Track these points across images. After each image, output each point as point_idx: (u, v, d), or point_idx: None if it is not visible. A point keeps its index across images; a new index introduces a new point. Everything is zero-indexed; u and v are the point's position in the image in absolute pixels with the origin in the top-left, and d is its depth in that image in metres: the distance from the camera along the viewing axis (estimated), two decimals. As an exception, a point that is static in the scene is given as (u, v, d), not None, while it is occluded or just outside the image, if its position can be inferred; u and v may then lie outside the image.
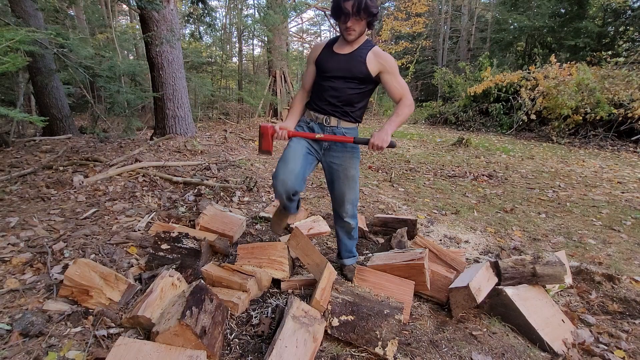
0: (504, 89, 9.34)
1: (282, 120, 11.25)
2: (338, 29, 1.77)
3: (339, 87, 1.78)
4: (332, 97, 1.79)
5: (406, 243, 2.34)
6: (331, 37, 1.92)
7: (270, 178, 4.20)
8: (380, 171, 5.01)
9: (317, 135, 1.79)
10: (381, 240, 2.64)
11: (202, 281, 1.55)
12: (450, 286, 1.81)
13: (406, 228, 2.45)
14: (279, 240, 2.34)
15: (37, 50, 4.32)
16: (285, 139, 1.80)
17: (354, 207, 1.99)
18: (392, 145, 1.70)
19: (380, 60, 1.74)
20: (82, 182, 3.24)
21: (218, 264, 1.96)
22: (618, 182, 4.55)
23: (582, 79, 7.56)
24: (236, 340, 1.57)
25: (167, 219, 2.74)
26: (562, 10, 11.97)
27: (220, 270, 1.90)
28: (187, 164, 4.23)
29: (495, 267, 1.84)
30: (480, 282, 1.73)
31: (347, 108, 1.81)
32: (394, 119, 1.74)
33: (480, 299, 1.69)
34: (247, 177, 3.90)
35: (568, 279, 2.07)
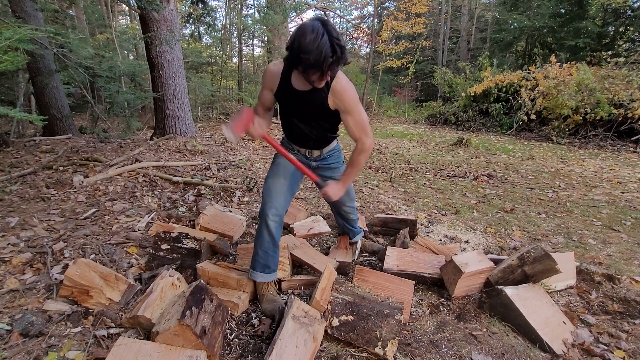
0: (504, 89, 9.34)
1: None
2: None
3: (308, 127, 1.67)
4: (303, 136, 1.71)
5: (409, 244, 2.35)
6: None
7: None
8: (380, 171, 5.00)
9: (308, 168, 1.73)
10: (381, 240, 2.64)
11: (202, 281, 1.55)
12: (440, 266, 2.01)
13: (407, 228, 2.45)
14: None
15: (37, 50, 4.32)
16: (258, 138, 1.59)
17: (353, 207, 2.16)
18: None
19: (335, 100, 1.52)
20: (82, 182, 3.24)
21: (213, 262, 1.96)
22: (618, 182, 4.55)
23: (582, 79, 7.55)
24: (236, 340, 1.57)
25: (167, 219, 2.74)
26: (562, 11, 11.96)
27: (216, 267, 1.90)
28: (187, 164, 4.23)
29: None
30: (467, 259, 1.91)
31: (323, 139, 1.75)
32: (349, 171, 1.69)
33: (466, 270, 1.83)
34: (247, 177, 3.90)
35: (572, 280, 2.07)
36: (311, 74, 1.35)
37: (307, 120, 1.64)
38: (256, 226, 2.80)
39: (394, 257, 2.10)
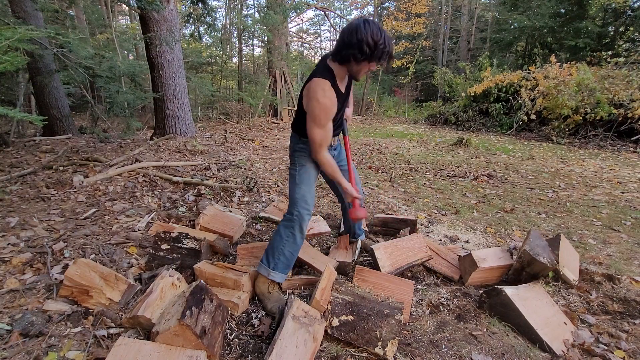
0: (504, 89, 9.34)
1: (282, 120, 11.24)
2: (351, 68, 1.58)
3: (340, 120, 1.87)
4: (337, 126, 1.90)
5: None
6: (329, 48, 1.89)
7: (270, 178, 4.21)
8: (380, 171, 5.00)
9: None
10: (381, 240, 2.64)
11: (202, 281, 1.55)
12: (460, 255, 2.24)
13: (407, 228, 2.45)
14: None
15: (37, 50, 4.32)
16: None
17: None
18: None
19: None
20: (82, 182, 3.24)
21: (211, 262, 1.96)
22: (618, 182, 4.55)
23: (582, 79, 7.55)
24: (236, 340, 1.57)
25: (167, 219, 2.74)
26: (562, 11, 11.97)
27: (213, 267, 1.90)
28: (187, 164, 4.23)
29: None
30: (487, 254, 2.04)
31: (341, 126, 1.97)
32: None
33: (482, 265, 1.99)
34: (247, 177, 3.90)
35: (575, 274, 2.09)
36: (372, 68, 1.57)
37: (341, 113, 1.83)
38: (257, 226, 2.82)
39: (385, 258, 2.08)
